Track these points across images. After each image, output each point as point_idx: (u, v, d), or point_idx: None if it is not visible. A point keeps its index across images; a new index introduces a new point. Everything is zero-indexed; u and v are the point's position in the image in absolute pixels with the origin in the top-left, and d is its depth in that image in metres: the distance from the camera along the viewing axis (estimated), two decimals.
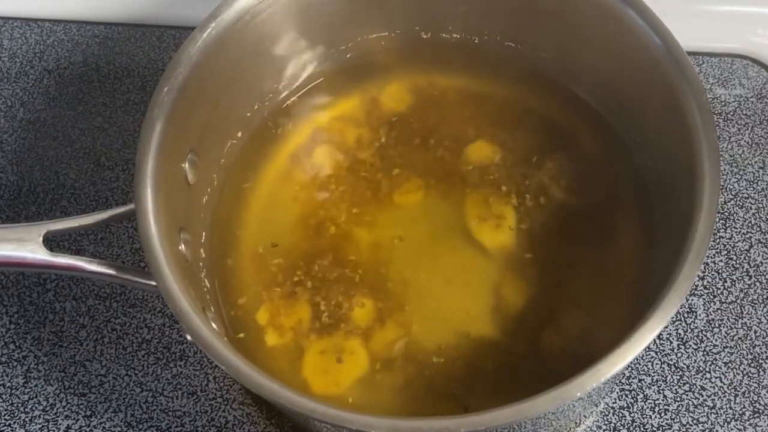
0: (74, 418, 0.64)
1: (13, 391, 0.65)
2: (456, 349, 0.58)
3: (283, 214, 0.65)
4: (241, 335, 0.60)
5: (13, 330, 0.68)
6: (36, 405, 0.64)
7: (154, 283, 0.50)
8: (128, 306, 0.68)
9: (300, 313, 0.60)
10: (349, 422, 0.44)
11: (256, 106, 0.66)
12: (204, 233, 0.62)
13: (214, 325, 0.54)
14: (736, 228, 0.69)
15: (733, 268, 0.68)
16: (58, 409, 0.64)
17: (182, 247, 0.56)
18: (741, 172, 0.72)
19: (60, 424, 0.64)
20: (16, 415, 0.64)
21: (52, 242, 0.69)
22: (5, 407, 0.64)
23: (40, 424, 0.64)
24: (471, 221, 0.63)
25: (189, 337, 0.48)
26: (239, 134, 0.66)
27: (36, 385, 0.65)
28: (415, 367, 0.58)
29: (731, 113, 0.75)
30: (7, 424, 0.64)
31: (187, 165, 0.58)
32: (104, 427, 0.63)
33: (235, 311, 0.61)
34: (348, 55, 0.69)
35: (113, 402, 0.64)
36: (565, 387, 0.44)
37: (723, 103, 0.75)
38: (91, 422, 0.63)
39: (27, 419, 0.64)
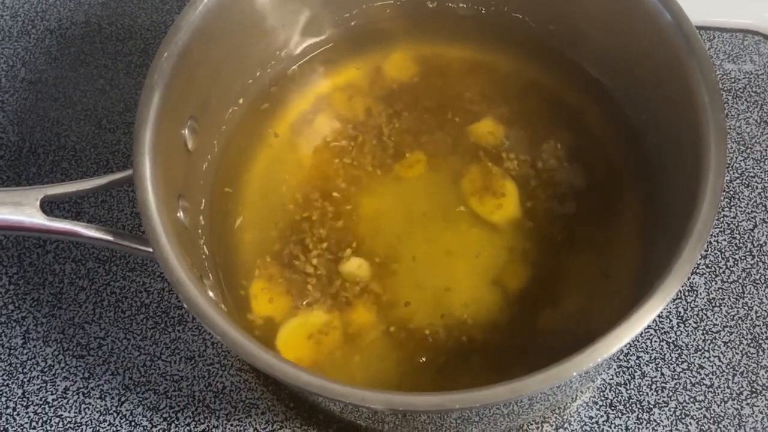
0: (72, 380, 0.64)
1: (12, 352, 0.65)
2: (453, 323, 0.58)
3: (283, 182, 0.64)
4: (239, 302, 0.60)
5: (13, 291, 0.68)
6: (34, 366, 0.65)
7: (151, 250, 0.50)
8: (128, 270, 0.68)
9: (298, 279, 0.60)
10: (344, 396, 0.44)
11: (258, 73, 0.66)
12: (204, 200, 0.61)
13: (211, 293, 0.54)
14: (741, 207, 0.69)
15: (736, 248, 0.67)
16: (56, 370, 0.64)
17: (180, 214, 0.55)
18: (748, 151, 0.71)
19: (58, 385, 0.64)
20: (14, 375, 0.64)
21: (52, 204, 0.70)
22: (4, 367, 0.65)
23: (38, 384, 0.64)
24: (473, 195, 0.62)
25: (186, 306, 0.48)
26: (241, 101, 0.65)
27: (35, 346, 0.65)
28: (411, 339, 0.58)
29: (741, 90, 0.74)
30: (5, 384, 0.64)
31: (186, 131, 0.58)
32: (102, 390, 0.64)
33: (234, 277, 0.61)
34: (352, 23, 0.68)
35: (111, 365, 0.64)
36: (561, 366, 0.44)
37: (733, 80, 0.74)
38: (89, 384, 0.64)
39: (25, 380, 0.64)
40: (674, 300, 0.65)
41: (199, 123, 0.59)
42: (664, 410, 0.61)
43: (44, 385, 0.64)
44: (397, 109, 0.66)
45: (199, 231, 0.59)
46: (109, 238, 0.52)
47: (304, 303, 0.59)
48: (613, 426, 0.61)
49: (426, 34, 0.69)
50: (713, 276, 0.66)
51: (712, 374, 0.63)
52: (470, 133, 0.65)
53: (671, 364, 0.63)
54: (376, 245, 0.61)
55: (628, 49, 0.60)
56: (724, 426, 0.61)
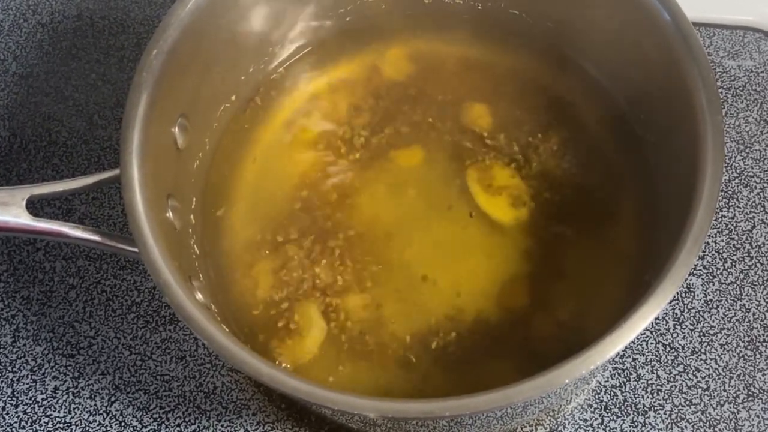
0: (62, 379, 0.63)
1: (1, 350, 0.65)
2: (446, 324, 0.57)
3: (276, 179, 0.63)
4: (230, 301, 0.59)
5: (2, 289, 0.67)
6: (24, 365, 0.64)
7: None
8: (118, 268, 0.67)
9: (290, 276, 0.59)
10: (331, 402, 0.44)
11: (251, 69, 0.65)
12: (194, 199, 0.60)
13: (200, 295, 0.53)
14: (740, 207, 0.68)
15: (734, 249, 0.66)
16: (46, 369, 0.64)
17: (169, 214, 0.55)
18: (747, 150, 0.70)
19: (48, 385, 0.63)
20: (3, 374, 0.64)
21: (42, 201, 0.69)
22: None
23: (27, 383, 0.63)
24: (468, 192, 0.61)
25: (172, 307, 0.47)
26: (233, 98, 0.64)
27: (24, 345, 0.65)
28: (401, 341, 0.57)
29: (740, 88, 0.73)
30: None
31: (176, 129, 0.57)
32: (92, 389, 0.63)
33: (225, 276, 0.60)
34: (347, 19, 0.67)
35: (101, 364, 0.64)
36: (554, 373, 0.43)
37: (732, 78, 0.73)
38: (79, 384, 0.63)
39: (14, 378, 0.64)
40: (671, 301, 0.64)
41: (190, 121, 0.58)
42: (659, 413, 0.61)
43: (33, 384, 0.63)
44: (392, 105, 0.65)
45: (190, 230, 0.58)
46: (96, 238, 0.51)
47: (297, 299, 0.58)
48: (607, 429, 0.60)
49: (422, 31, 0.68)
50: (711, 277, 0.65)
51: (709, 377, 0.62)
52: (467, 130, 0.64)
53: (667, 366, 0.62)
54: (371, 241, 0.60)
55: (625, 48, 0.59)
56: (720, 430, 0.60)
